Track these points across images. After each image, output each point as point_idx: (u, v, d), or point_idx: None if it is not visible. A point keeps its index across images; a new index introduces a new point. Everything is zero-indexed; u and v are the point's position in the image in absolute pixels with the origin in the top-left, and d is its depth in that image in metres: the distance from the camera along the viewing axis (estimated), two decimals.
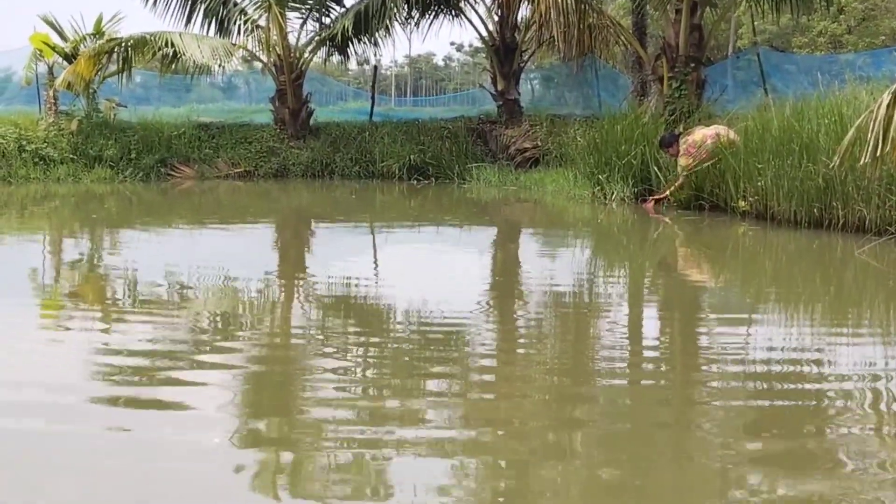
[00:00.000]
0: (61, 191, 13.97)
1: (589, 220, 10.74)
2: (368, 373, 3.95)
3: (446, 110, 22.40)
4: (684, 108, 13.39)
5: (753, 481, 2.71)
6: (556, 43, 13.92)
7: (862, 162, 6.62)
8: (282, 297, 5.95)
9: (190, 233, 9.80)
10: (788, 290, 6.27)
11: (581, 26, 13.52)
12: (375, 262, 7.68)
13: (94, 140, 16.05)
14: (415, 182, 16.43)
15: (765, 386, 3.74)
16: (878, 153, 6.25)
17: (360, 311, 5.41)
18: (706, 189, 10.40)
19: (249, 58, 19.76)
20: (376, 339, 4.61)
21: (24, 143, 15.47)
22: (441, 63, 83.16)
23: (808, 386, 3.74)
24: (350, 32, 16.61)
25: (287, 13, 17.20)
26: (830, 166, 7.79)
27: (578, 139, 13.84)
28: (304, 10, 17.88)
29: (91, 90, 16.50)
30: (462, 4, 18.05)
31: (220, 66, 16.50)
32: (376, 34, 17.43)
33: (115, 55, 16.09)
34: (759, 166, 9.27)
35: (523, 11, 17.49)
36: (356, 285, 6.34)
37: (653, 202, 10.95)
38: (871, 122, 6.33)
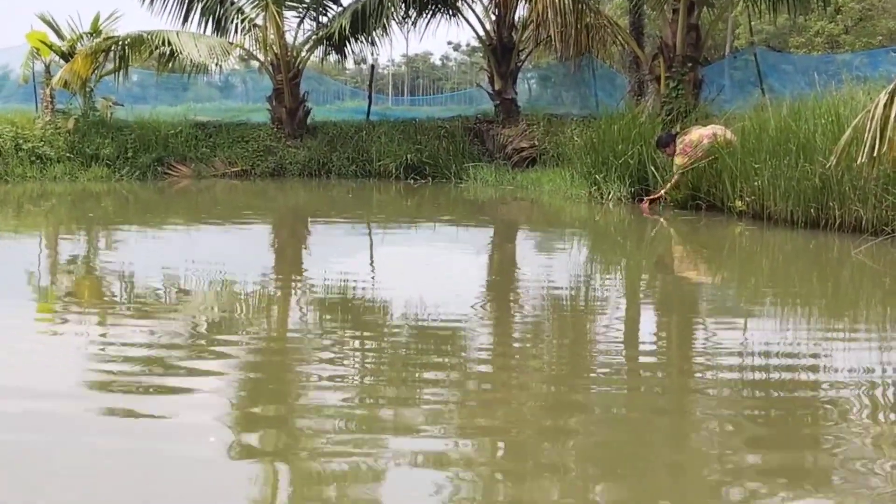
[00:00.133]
0: (58, 189, 13.96)
1: (586, 220, 10.74)
2: (364, 375, 3.95)
3: (443, 110, 22.40)
4: (681, 107, 13.39)
5: (750, 483, 2.71)
6: (554, 42, 13.89)
7: (858, 162, 6.62)
8: (278, 297, 5.94)
9: (187, 232, 9.79)
10: (785, 291, 6.27)
11: (578, 26, 13.51)
12: (372, 262, 7.68)
13: (90, 139, 16.03)
14: (412, 181, 16.43)
15: (761, 387, 3.75)
16: (875, 153, 6.24)
17: (356, 311, 5.40)
18: (703, 189, 10.41)
19: (246, 57, 19.75)
20: (373, 341, 4.61)
21: (21, 141, 15.45)
22: (438, 62, 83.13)
23: (804, 387, 3.74)
24: (347, 31, 16.60)
25: (284, 12, 17.20)
26: (827, 166, 7.79)
27: (575, 139, 13.84)
28: (301, 9, 17.88)
29: (88, 89, 16.47)
30: (459, 4, 18.05)
31: (217, 64, 16.47)
32: (373, 33, 17.42)
33: (111, 54, 16.06)
34: (756, 166, 9.28)
35: (520, 11, 17.52)
36: (353, 285, 6.33)
37: (648, 202, 10.96)
38: (868, 122, 6.33)
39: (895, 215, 7.73)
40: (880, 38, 28.52)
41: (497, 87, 17.79)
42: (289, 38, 17.66)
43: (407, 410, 3.37)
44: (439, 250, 8.47)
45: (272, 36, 16.83)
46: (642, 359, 4.39)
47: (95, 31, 16.78)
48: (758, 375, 3.92)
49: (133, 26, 20.51)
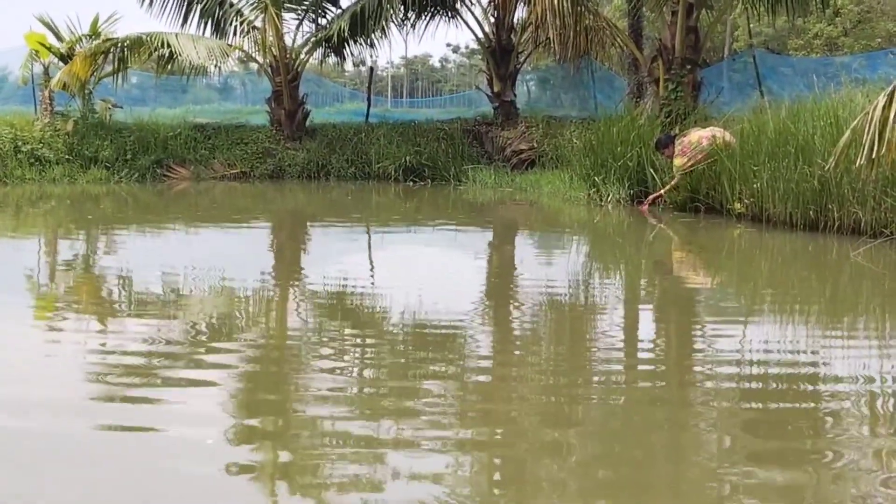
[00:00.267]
0: (57, 191, 13.95)
1: (585, 222, 10.74)
2: (364, 375, 3.95)
3: (442, 112, 22.41)
4: (680, 109, 13.41)
5: (749, 485, 2.71)
6: (553, 45, 13.91)
7: (857, 164, 6.63)
8: (277, 299, 5.94)
9: (186, 234, 9.78)
10: (784, 293, 6.27)
11: (577, 28, 13.51)
12: (371, 264, 7.68)
13: (89, 141, 16.02)
14: (411, 184, 16.43)
15: (760, 389, 3.74)
16: (874, 155, 6.25)
17: (355, 313, 5.40)
18: (702, 191, 10.41)
19: (246, 59, 19.76)
20: (372, 342, 4.61)
21: (20, 143, 15.44)
22: (437, 64, 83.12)
23: (803, 389, 3.74)
24: (346, 34, 16.62)
25: (283, 14, 17.21)
26: (826, 168, 7.80)
27: (574, 141, 13.85)
28: (300, 12, 17.89)
29: (87, 91, 16.47)
30: (458, 6, 18.07)
31: (216, 67, 16.52)
32: (372, 35, 17.44)
33: (111, 56, 16.08)
34: (755, 168, 9.28)
35: (519, 13, 17.56)
36: (352, 287, 6.33)
37: (647, 204, 10.96)
38: (867, 125, 6.33)
39: (894, 217, 7.73)
40: (879, 40, 28.55)
41: (496, 90, 17.80)
42: (288, 40, 17.69)
43: (404, 410, 3.36)
44: (438, 252, 8.48)
45: (271, 38, 16.83)
46: (642, 356, 4.38)
47: (94, 32, 16.78)
48: (756, 383, 3.91)
49: (132, 28, 20.57)
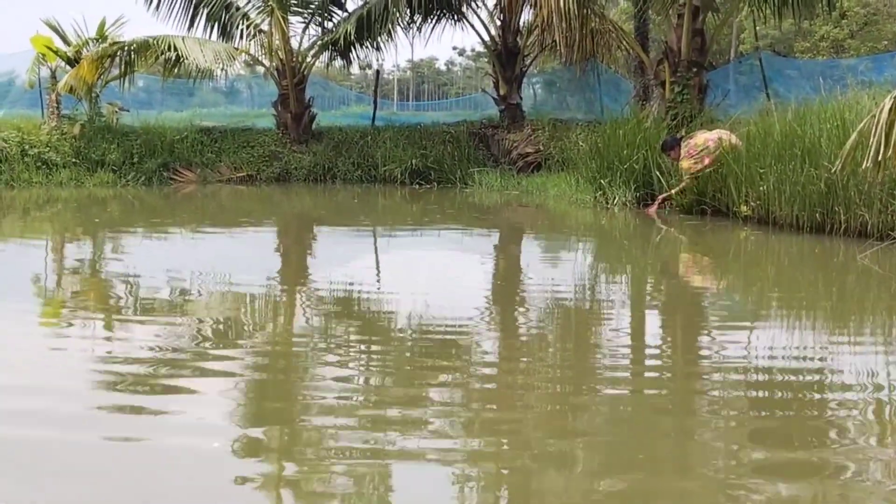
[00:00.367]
0: (64, 195, 13.99)
1: (591, 225, 10.74)
2: (370, 380, 3.96)
3: (448, 115, 22.42)
4: (686, 112, 13.39)
5: (755, 491, 2.70)
6: (559, 47, 13.91)
7: (864, 166, 6.62)
8: (284, 303, 5.95)
9: (192, 238, 9.80)
10: (791, 296, 6.26)
11: (583, 31, 13.50)
12: (377, 268, 7.68)
13: (96, 144, 16.06)
14: (417, 186, 16.44)
15: (767, 393, 3.74)
16: (880, 158, 6.24)
17: (362, 318, 5.40)
18: (708, 194, 10.40)
19: (252, 62, 19.83)
20: (379, 346, 4.61)
21: (27, 147, 15.48)
22: (443, 67, 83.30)
23: (810, 398, 3.73)
24: (352, 37, 16.62)
25: (289, 18, 17.23)
26: (832, 171, 7.79)
27: (581, 143, 13.84)
28: (306, 15, 17.91)
29: (94, 94, 16.50)
30: (464, 9, 18.06)
31: (222, 70, 16.51)
32: (378, 38, 17.41)
33: (117, 59, 16.10)
34: (762, 171, 9.26)
35: (525, 16, 17.54)
36: (358, 292, 6.33)
37: (655, 206, 10.95)
38: (873, 127, 6.32)
39: None
40: (885, 42, 28.50)
41: (502, 92, 17.79)
42: (294, 43, 17.72)
43: (407, 410, 3.36)
44: (445, 256, 8.47)
45: (277, 41, 16.88)
46: (649, 360, 4.37)
47: (101, 36, 16.83)
48: (762, 391, 3.90)
49: (139, 31, 20.62)
